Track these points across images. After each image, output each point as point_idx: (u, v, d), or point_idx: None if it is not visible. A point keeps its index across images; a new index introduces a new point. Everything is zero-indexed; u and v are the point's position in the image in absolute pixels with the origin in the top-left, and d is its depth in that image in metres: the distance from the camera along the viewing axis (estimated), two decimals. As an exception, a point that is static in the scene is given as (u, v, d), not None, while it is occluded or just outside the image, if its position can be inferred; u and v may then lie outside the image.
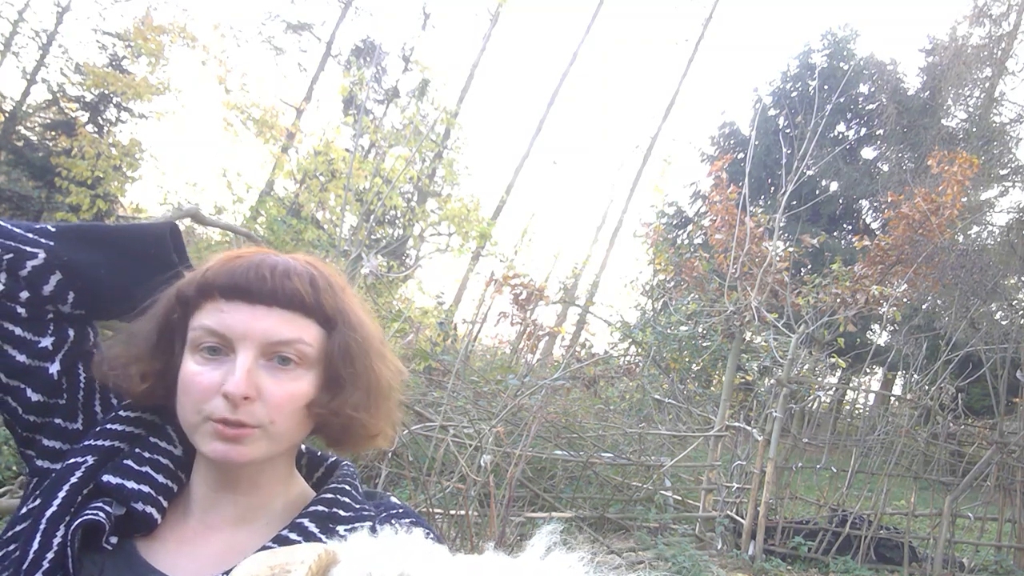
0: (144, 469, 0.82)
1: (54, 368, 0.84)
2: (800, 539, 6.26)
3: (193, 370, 0.78)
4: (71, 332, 0.86)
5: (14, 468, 4.45)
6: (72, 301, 0.85)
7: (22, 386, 0.83)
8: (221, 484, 0.84)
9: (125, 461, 0.82)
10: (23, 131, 15.71)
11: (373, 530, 0.66)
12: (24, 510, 0.82)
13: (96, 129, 14.71)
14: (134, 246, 0.86)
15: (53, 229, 0.85)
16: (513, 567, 0.59)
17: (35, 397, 0.84)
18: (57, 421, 0.86)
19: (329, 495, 0.85)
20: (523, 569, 0.59)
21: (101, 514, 0.76)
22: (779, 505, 6.55)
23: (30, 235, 0.84)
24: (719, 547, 6.18)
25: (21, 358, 0.83)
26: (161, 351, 0.82)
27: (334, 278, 0.87)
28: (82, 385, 0.87)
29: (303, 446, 0.97)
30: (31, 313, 0.83)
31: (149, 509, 0.79)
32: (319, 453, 0.98)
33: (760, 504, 6.11)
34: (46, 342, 0.84)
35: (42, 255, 0.83)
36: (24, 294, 0.82)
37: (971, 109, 18.11)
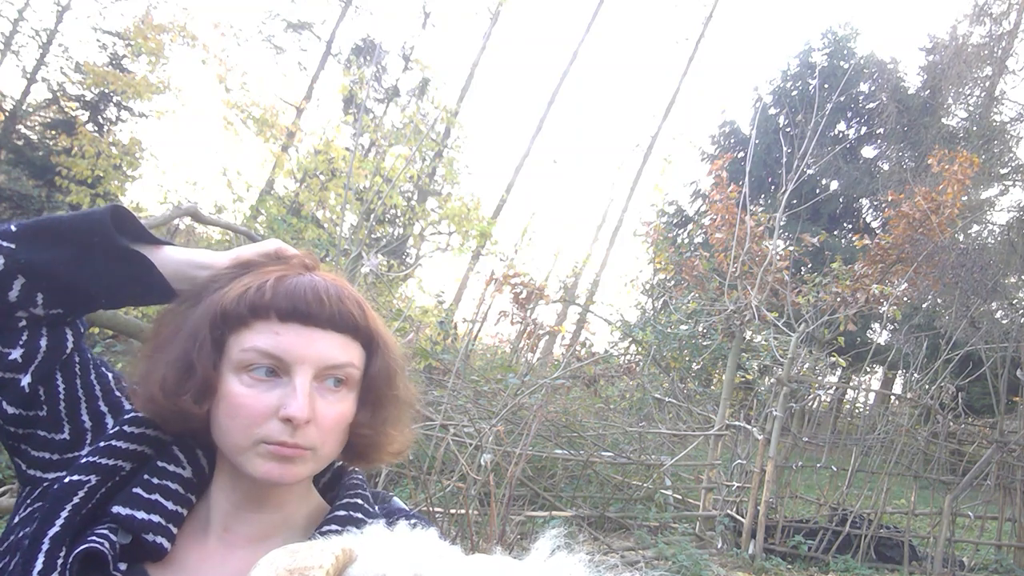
0: (154, 497, 0.80)
1: (26, 381, 0.81)
2: (800, 538, 6.26)
3: (242, 392, 0.77)
4: (43, 342, 0.82)
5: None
6: (43, 302, 0.80)
7: None
8: (247, 502, 0.83)
9: (134, 489, 0.80)
10: (23, 130, 15.72)
11: (390, 525, 0.66)
12: (17, 519, 0.81)
13: (96, 128, 14.73)
14: (81, 238, 0.81)
15: (14, 229, 0.80)
16: (523, 569, 0.59)
17: (11, 410, 0.81)
18: (41, 432, 0.83)
19: (342, 512, 0.85)
20: (533, 570, 0.59)
21: (105, 543, 0.74)
22: (779, 504, 6.55)
23: None
24: (719, 546, 6.18)
25: None
26: (217, 374, 0.80)
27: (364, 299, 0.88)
28: (62, 396, 0.85)
29: None
30: None
31: (159, 539, 0.78)
32: None
33: (760, 503, 6.11)
34: (15, 354, 0.80)
35: (1, 261, 0.78)
36: None
37: (971, 108, 18.10)
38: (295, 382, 0.77)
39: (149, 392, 0.81)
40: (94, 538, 0.75)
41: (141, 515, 0.78)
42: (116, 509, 0.77)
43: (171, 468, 0.84)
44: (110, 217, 0.83)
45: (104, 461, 0.81)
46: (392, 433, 0.87)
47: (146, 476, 0.82)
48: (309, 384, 0.77)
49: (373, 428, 0.85)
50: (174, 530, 0.80)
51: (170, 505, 0.81)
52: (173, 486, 0.82)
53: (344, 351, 0.81)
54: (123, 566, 0.76)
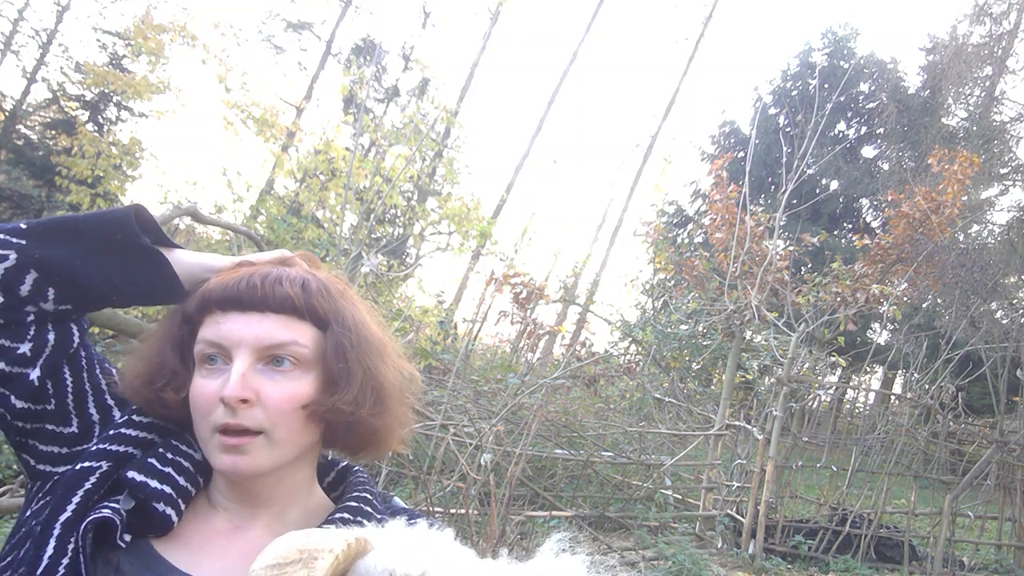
0: (167, 470, 0.82)
1: (35, 374, 0.82)
2: (800, 538, 6.26)
3: (198, 384, 0.81)
4: (51, 336, 0.83)
5: (14, 467, 4.45)
6: (54, 298, 0.82)
7: (6, 393, 0.81)
8: (241, 498, 0.85)
9: (149, 459, 0.82)
10: (23, 130, 15.71)
11: (412, 520, 0.68)
12: (28, 512, 0.82)
13: (96, 128, 14.71)
14: (101, 235, 0.83)
15: (24, 226, 0.82)
16: (530, 573, 0.60)
17: (20, 404, 0.82)
18: (49, 426, 0.84)
19: (353, 503, 0.86)
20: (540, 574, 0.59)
21: (108, 510, 0.76)
22: (779, 504, 6.55)
23: (1, 237, 0.80)
24: (719, 546, 6.18)
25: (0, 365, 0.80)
26: (184, 367, 0.85)
27: (333, 284, 0.89)
28: (69, 389, 0.86)
29: None
30: (8, 318, 0.80)
31: (168, 511, 0.79)
32: (329, 457, 0.98)
33: (760, 503, 6.11)
34: (24, 348, 0.81)
35: (13, 256, 0.79)
36: None
37: (971, 108, 18.10)
38: (233, 365, 0.79)
39: (132, 384, 0.86)
40: (98, 510, 0.76)
41: (154, 484, 0.80)
42: (131, 474, 0.79)
43: (184, 448, 0.86)
44: (134, 216, 0.86)
45: (115, 448, 0.83)
46: (354, 413, 0.84)
47: (161, 450, 0.84)
48: (247, 365, 0.79)
49: (325, 406, 0.83)
50: (183, 505, 0.82)
51: (181, 481, 0.83)
52: (186, 464, 0.85)
53: (284, 330, 0.82)
54: (128, 538, 0.77)
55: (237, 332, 0.81)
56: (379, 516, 0.86)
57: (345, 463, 0.98)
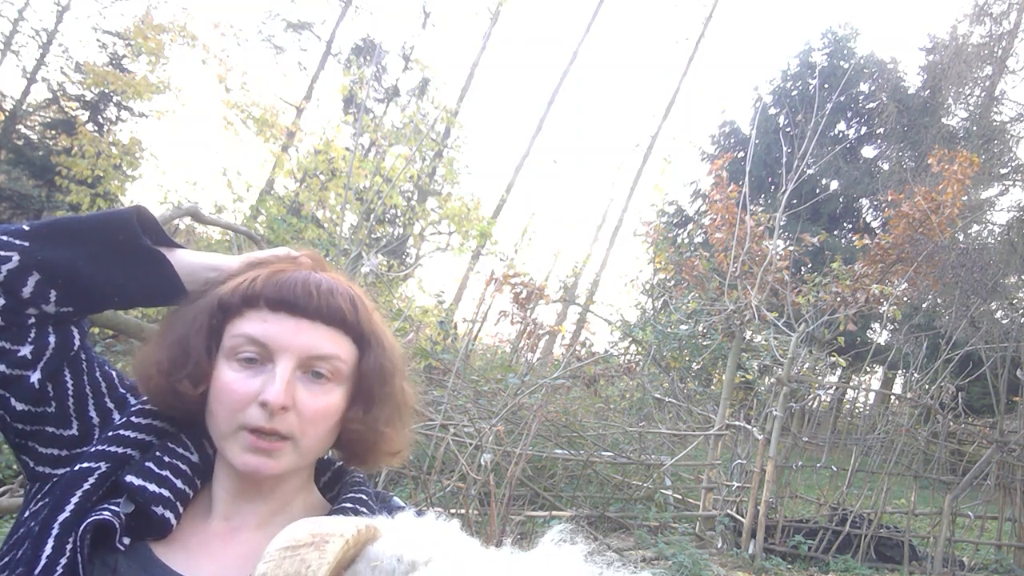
0: (164, 473, 0.82)
1: (35, 377, 0.81)
2: (800, 538, 6.26)
3: (230, 378, 0.80)
4: (52, 339, 0.83)
5: (14, 467, 4.45)
6: (56, 299, 0.81)
7: (6, 395, 0.81)
8: (242, 492, 0.85)
9: (146, 463, 0.82)
10: (23, 130, 15.71)
11: (420, 514, 0.70)
12: (27, 513, 0.82)
13: (96, 128, 14.71)
14: (102, 236, 0.83)
15: (27, 228, 0.81)
16: (531, 563, 0.61)
17: (20, 406, 0.82)
18: (49, 429, 0.84)
19: (349, 503, 0.86)
20: (541, 565, 0.61)
21: (107, 513, 0.76)
22: (779, 504, 6.55)
23: (3, 238, 0.80)
24: (719, 546, 6.18)
25: (0, 368, 0.80)
26: (208, 359, 0.83)
27: (366, 299, 0.90)
28: (70, 391, 0.85)
29: None
30: (9, 320, 0.80)
31: (168, 514, 0.80)
32: (325, 457, 0.98)
33: (760, 503, 6.11)
34: (25, 350, 0.81)
35: (16, 257, 0.79)
36: (0, 301, 0.79)
37: (971, 108, 18.09)
38: (276, 369, 0.79)
39: (147, 372, 0.85)
40: (98, 512, 0.76)
41: (152, 487, 0.80)
42: (129, 478, 0.79)
43: (180, 450, 0.86)
44: (136, 217, 0.85)
45: (114, 449, 0.83)
46: (387, 432, 0.88)
47: (158, 453, 0.84)
48: (290, 372, 0.79)
49: (365, 424, 0.85)
50: (180, 508, 0.82)
51: (179, 484, 0.83)
52: (183, 467, 0.85)
53: (331, 343, 0.83)
54: (127, 541, 0.77)
55: (286, 336, 0.80)
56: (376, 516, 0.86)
57: (340, 463, 0.98)
